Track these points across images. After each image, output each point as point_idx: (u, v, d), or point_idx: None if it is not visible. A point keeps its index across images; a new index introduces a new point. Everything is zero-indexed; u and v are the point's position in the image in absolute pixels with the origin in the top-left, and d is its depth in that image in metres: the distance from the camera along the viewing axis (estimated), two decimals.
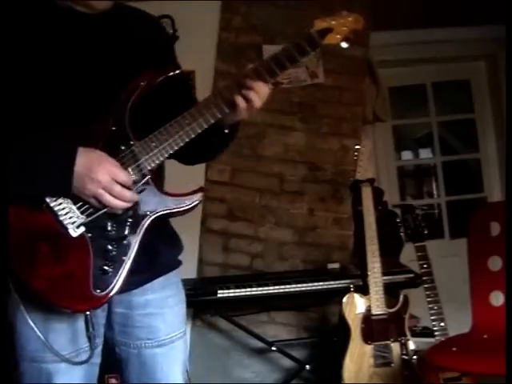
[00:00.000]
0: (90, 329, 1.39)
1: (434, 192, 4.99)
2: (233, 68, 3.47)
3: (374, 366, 2.76)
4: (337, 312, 2.94)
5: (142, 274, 1.46)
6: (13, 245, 1.31)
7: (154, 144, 1.38)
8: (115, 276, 1.36)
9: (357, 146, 2.98)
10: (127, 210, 1.37)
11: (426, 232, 2.82)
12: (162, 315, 1.52)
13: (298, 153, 3.49)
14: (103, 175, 1.32)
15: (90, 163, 1.32)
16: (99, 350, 1.51)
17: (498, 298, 2.54)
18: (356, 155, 2.95)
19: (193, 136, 1.40)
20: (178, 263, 1.61)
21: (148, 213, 1.39)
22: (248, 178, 3.45)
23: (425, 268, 2.72)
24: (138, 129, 1.40)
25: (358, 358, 2.76)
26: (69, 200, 1.35)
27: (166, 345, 1.52)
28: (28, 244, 1.33)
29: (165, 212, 1.40)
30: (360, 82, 3.54)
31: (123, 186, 1.34)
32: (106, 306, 1.47)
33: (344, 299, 2.81)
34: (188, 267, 3.38)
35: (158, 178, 1.45)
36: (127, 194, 1.35)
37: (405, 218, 2.90)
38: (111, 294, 1.36)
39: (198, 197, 1.42)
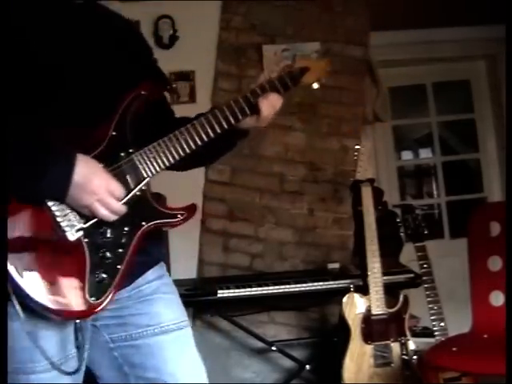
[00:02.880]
0: (80, 337, 1.37)
1: (434, 192, 4.99)
2: (233, 68, 3.47)
3: (374, 365, 2.76)
4: (337, 312, 2.94)
5: (132, 271, 1.42)
6: (11, 246, 1.28)
7: (152, 155, 1.40)
8: (110, 284, 1.34)
9: (357, 146, 2.98)
10: (124, 218, 1.36)
11: (426, 232, 2.82)
12: (162, 300, 1.49)
13: (298, 153, 3.49)
14: (100, 187, 1.31)
15: (88, 173, 1.31)
16: (85, 355, 1.44)
17: (498, 298, 2.54)
18: (356, 155, 2.95)
19: (188, 151, 1.42)
20: (162, 257, 1.60)
21: (143, 223, 1.39)
22: (248, 177, 3.45)
23: (425, 268, 2.72)
24: (138, 137, 1.41)
25: (358, 358, 2.76)
26: (65, 205, 1.33)
27: (169, 332, 1.48)
28: (24, 244, 1.30)
29: (158, 224, 1.41)
30: (360, 82, 3.54)
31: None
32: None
33: (344, 299, 2.81)
34: (188, 267, 3.38)
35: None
36: (119, 207, 1.34)
37: (405, 217, 2.90)
38: (106, 302, 1.33)
39: (191, 212, 1.43)
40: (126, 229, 1.37)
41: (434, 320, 2.67)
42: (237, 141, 1.62)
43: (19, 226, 1.30)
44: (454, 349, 2.43)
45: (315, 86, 1.59)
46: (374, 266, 2.79)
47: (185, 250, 3.34)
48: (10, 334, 1.30)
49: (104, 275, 1.33)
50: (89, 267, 1.33)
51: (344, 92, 3.47)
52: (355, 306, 2.79)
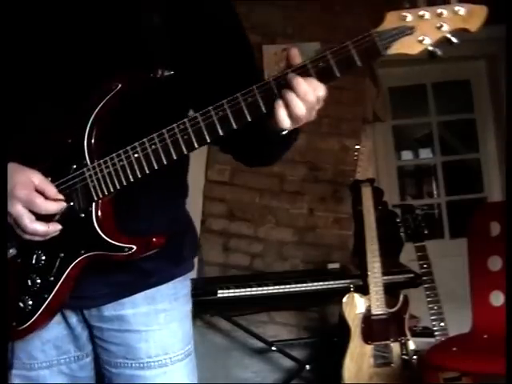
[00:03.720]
0: (9, 357, 1.21)
1: (434, 192, 4.99)
2: None
3: (374, 366, 2.76)
4: (337, 312, 2.94)
5: (115, 288, 1.25)
6: None
7: (107, 170, 1.13)
8: (34, 313, 1.18)
9: (357, 146, 2.99)
10: (62, 243, 1.16)
11: (426, 232, 2.82)
12: (145, 333, 1.28)
13: (298, 153, 3.49)
14: (12, 207, 1.11)
15: (9, 189, 1.11)
16: (85, 362, 1.33)
17: (498, 298, 2.54)
18: (356, 155, 2.95)
19: (156, 168, 1.11)
20: (171, 276, 1.31)
21: (82, 251, 1.16)
22: (248, 177, 3.45)
23: (425, 268, 2.72)
24: (108, 146, 1.14)
25: (358, 358, 2.76)
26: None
27: (151, 368, 1.28)
28: None
29: (100, 255, 1.16)
30: (360, 82, 3.53)
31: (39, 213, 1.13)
32: (81, 318, 1.29)
33: (344, 299, 2.81)
34: None
35: (132, 202, 1.21)
36: (39, 227, 1.12)
37: (405, 217, 2.90)
38: (29, 330, 1.19)
39: (144, 247, 1.16)
40: (61, 255, 1.17)
41: (433, 320, 2.67)
42: (290, 137, 1.17)
43: None
44: (454, 349, 2.44)
45: (436, 51, 1.00)
46: (374, 266, 2.79)
47: None
48: None
49: (28, 302, 1.18)
50: (16, 290, 1.18)
51: (344, 92, 3.46)
52: (355, 306, 2.79)
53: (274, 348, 3.18)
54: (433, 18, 0.97)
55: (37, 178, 1.12)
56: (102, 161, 1.13)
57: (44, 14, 1.20)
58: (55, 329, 1.27)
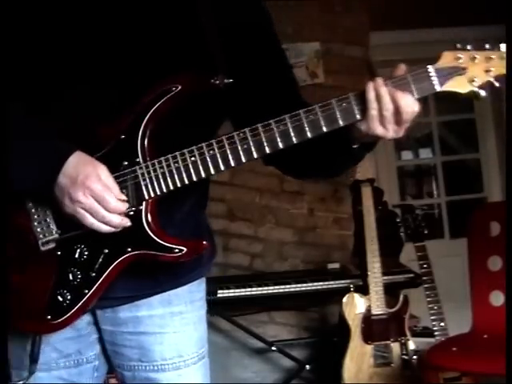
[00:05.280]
0: (35, 350, 1.22)
1: (434, 192, 4.99)
2: None
3: (374, 365, 2.76)
4: (337, 312, 2.95)
5: (128, 290, 1.24)
6: None
7: (161, 170, 1.13)
8: (71, 307, 1.16)
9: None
10: (108, 239, 1.14)
11: (425, 232, 2.82)
12: (160, 336, 1.28)
13: None
14: (85, 196, 1.10)
15: (75, 176, 1.10)
16: (86, 368, 1.30)
17: (498, 298, 2.54)
18: None
19: (212, 173, 1.14)
20: (190, 278, 1.31)
21: (129, 249, 1.15)
22: (248, 177, 3.44)
23: (425, 268, 2.72)
24: (159, 145, 1.14)
25: (358, 358, 2.76)
26: (47, 210, 1.16)
27: (166, 371, 1.28)
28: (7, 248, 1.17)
29: (147, 254, 1.15)
30: (360, 82, 3.52)
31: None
32: (90, 319, 1.28)
33: (344, 299, 2.81)
34: None
35: (167, 208, 1.20)
36: (114, 219, 1.11)
37: (405, 217, 2.90)
38: (62, 324, 1.18)
39: (194, 249, 1.17)
40: (105, 251, 1.15)
41: (433, 320, 2.67)
42: (361, 152, 1.19)
43: (9, 230, 1.17)
44: (454, 349, 2.44)
45: (482, 93, 1.08)
46: (374, 266, 2.79)
47: None
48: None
49: (67, 296, 1.16)
50: (54, 283, 1.16)
51: (344, 92, 3.46)
52: (355, 306, 2.79)
53: (273, 348, 3.18)
54: (483, 61, 1.06)
55: (105, 174, 1.12)
56: (156, 160, 1.13)
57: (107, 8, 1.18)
58: (60, 332, 1.24)
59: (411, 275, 3.02)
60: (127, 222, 1.13)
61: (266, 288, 2.97)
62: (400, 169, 4.53)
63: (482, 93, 1.07)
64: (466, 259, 2.69)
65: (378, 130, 1.10)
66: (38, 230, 1.16)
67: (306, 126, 1.11)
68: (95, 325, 1.29)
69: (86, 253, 1.16)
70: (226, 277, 3.34)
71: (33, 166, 1.12)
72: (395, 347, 2.78)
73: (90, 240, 1.15)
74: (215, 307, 3.13)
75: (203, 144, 1.12)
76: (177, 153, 1.12)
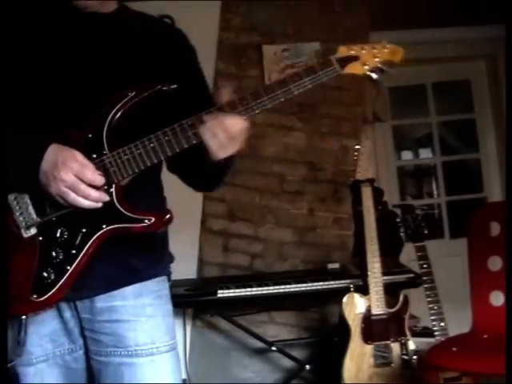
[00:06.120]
0: (22, 333, 1.35)
1: (434, 192, 4.99)
2: (233, 68, 3.47)
3: (374, 365, 2.76)
4: (337, 312, 2.95)
5: (103, 281, 1.40)
6: None
7: (126, 157, 1.33)
8: (55, 284, 1.32)
9: (357, 146, 2.98)
10: (84, 220, 1.33)
11: (426, 232, 2.82)
12: (134, 323, 1.42)
13: (298, 153, 3.49)
14: (66, 174, 1.29)
15: (56, 161, 1.29)
16: (78, 354, 1.47)
17: (498, 298, 2.54)
18: (356, 155, 2.95)
19: (169, 154, 1.34)
20: (157, 273, 1.49)
21: (103, 226, 1.33)
22: (248, 177, 3.44)
23: (425, 268, 2.72)
24: (121, 141, 1.34)
25: (358, 358, 2.76)
26: (28, 200, 1.34)
27: (140, 356, 1.41)
28: None
29: (120, 227, 1.34)
30: (360, 82, 3.53)
31: (91, 185, 1.31)
32: (74, 313, 1.43)
33: (344, 299, 2.81)
34: (188, 267, 3.38)
35: (142, 188, 1.40)
36: (93, 193, 1.30)
37: (405, 217, 2.90)
38: (48, 301, 1.32)
39: (161, 217, 1.35)
40: (83, 230, 1.33)
41: (433, 320, 2.67)
42: (220, 168, 1.43)
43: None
44: (454, 349, 2.44)
45: (373, 75, 1.40)
46: (374, 266, 2.79)
47: (185, 250, 3.34)
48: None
49: (50, 274, 1.32)
50: (36, 264, 1.32)
51: (344, 92, 3.46)
52: (355, 306, 2.79)
53: (273, 348, 3.18)
54: (370, 51, 1.40)
55: (80, 156, 1.31)
56: (120, 150, 1.33)
57: (79, 38, 1.43)
58: (51, 323, 1.42)
59: (411, 275, 3.02)
60: (105, 196, 1.32)
61: (265, 288, 2.97)
62: (400, 169, 4.53)
63: (374, 75, 1.39)
64: (465, 259, 2.69)
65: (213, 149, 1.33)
66: (20, 219, 1.33)
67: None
68: (77, 317, 1.44)
69: (66, 233, 1.33)
70: (225, 277, 3.35)
71: (18, 159, 1.31)
72: (395, 347, 2.78)
73: (68, 222, 1.33)
74: (215, 307, 3.14)
75: (159, 132, 1.33)
76: (137, 142, 1.33)
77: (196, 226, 3.41)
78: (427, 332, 2.95)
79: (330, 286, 3.00)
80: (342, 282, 2.99)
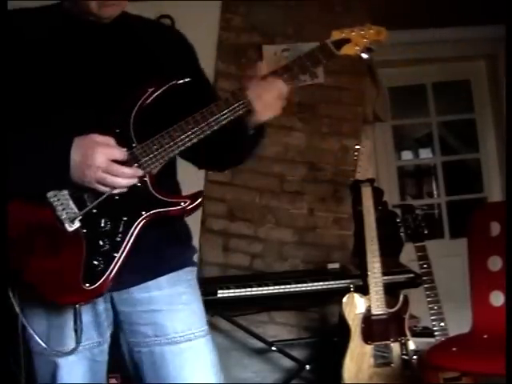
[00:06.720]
0: (78, 322, 1.41)
1: (434, 192, 5.00)
2: (233, 68, 3.47)
3: (374, 365, 2.76)
4: (337, 312, 2.94)
5: (141, 272, 1.47)
6: (11, 238, 1.37)
7: (155, 147, 1.41)
8: (105, 271, 1.38)
9: (357, 146, 2.98)
10: (124, 208, 1.40)
11: (425, 232, 2.82)
12: (170, 312, 1.50)
13: (298, 153, 3.49)
14: (99, 159, 1.35)
15: (85, 151, 1.36)
16: (104, 347, 1.54)
17: (498, 298, 2.54)
18: (356, 155, 2.95)
19: (195, 141, 1.43)
20: (187, 262, 1.58)
21: (143, 212, 1.41)
22: (248, 177, 3.44)
23: (425, 268, 2.72)
24: (145, 133, 1.43)
25: (358, 358, 2.76)
26: (67, 195, 1.39)
27: (179, 343, 1.50)
28: (27, 237, 1.38)
29: (159, 212, 1.42)
30: (360, 82, 3.53)
31: (122, 164, 1.38)
32: (109, 306, 1.51)
33: (344, 299, 2.81)
34: None
35: (165, 179, 1.49)
36: (127, 170, 1.38)
37: (405, 217, 2.90)
38: (100, 289, 1.39)
39: (195, 199, 1.44)
40: (124, 218, 1.40)
41: (433, 320, 2.67)
42: (254, 138, 1.56)
43: (20, 219, 1.38)
44: (454, 349, 2.43)
45: (364, 55, 1.54)
46: (374, 266, 2.79)
47: None
48: (27, 318, 1.43)
49: (99, 262, 1.38)
50: (85, 255, 1.38)
51: (344, 92, 3.47)
52: (355, 306, 2.79)
53: (273, 348, 3.18)
54: (358, 33, 1.52)
55: (99, 136, 1.39)
56: (148, 141, 1.41)
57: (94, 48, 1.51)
58: (84, 317, 1.44)
59: (411, 275, 3.02)
60: (139, 171, 1.40)
61: (265, 288, 2.97)
62: (400, 169, 4.53)
63: (364, 55, 1.53)
64: (465, 259, 2.69)
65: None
66: (64, 214, 1.38)
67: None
68: (111, 310, 1.51)
69: (108, 223, 1.40)
70: (225, 277, 3.34)
71: (42, 161, 1.37)
72: (395, 347, 2.78)
73: (108, 212, 1.40)
74: (215, 307, 3.14)
75: (182, 122, 1.42)
76: (163, 132, 1.41)
77: (196, 225, 3.41)
78: (427, 332, 2.95)
79: (330, 286, 3.00)
80: (342, 282, 2.99)
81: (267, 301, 3.17)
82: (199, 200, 1.45)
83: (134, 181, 1.40)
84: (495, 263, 2.58)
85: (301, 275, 3.16)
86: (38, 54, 1.45)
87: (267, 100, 1.46)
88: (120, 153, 1.39)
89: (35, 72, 1.45)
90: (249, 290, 2.95)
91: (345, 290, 2.86)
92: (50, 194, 1.39)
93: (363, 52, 1.53)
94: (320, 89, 3.44)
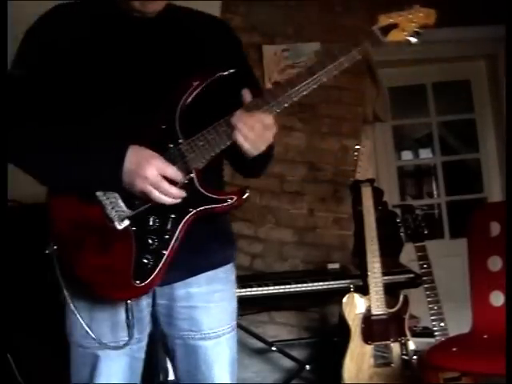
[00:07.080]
0: (130, 317, 1.43)
1: (434, 192, 5.00)
2: None
3: (374, 365, 2.76)
4: (337, 312, 2.95)
5: (185, 268, 1.49)
6: (62, 233, 1.41)
7: (201, 143, 1.42)
8: (154, 268, 1.41)
9: (357, 146, 2.98)
10: (171, 206, 1.41)
11: (425, 232, 2.82)
12: (206, 309, 1.54)
13: (298, 153, 3.49)
14: (151, 172, 1.37)
15: (139, 160, 1.38)
16: (143, 344, 1.57)
17: (498, 298, 2.54)
18: (356, 155, 2.95)
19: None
20: (228, 260, 1.61)
21: (190, 210, 1.42)
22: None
23: (425, 268, 2.72)
24: (190, 128, 1.43)
25: (358, 358, 2.76)
26: (116, 194, 1.41)
27: (210, 339, 1.55)
28: (76, 233, 1.41)
29: (206, 209, 1.44)
30: (360, 82, 3.53)
31: (171, 182, 1.39)
32: (150, 301, 1.53)
33: (344, 299, 2.81)
34: None
35: (210, 175, 1.49)
36: (174, 191, 1.39)
37: (405, 218, 2.90)
38: (150, 285, 1.41)
39: (241, 195, 1.48)
40: (172, 216, 1.42)
41: (433, 320, 2.67)
42: (262, 158, 1.53)
43: (71, 216, 1.42)
44: (454, 349, 2.43)
45: (412, 40, 1.49)
46: (374, 266, 2.79)
47: None
48: (70, 310, 1.45)
49: (149, 260, 1.41)
50: (134, 253, 1.40)
51: (344, 92, 3.46)
52: (355, 306, 2.79)
53: (273, 348, 3.18)
54: (406, 17, 1.48)
55: (158, 157, 1.40)
56: (194, 137, 1.42)
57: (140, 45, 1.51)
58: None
59: (411, 275, 3.02)
60: (183, 193, 1.39)
61: (266, 288, 2.97)
62: (400, 169, 4.53)
63: (413, 39, 1.49)
64: (465, 259, 2.69)
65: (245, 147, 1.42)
66: (113, 213, 1.40)
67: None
68: (153, 306, 1.54)
69: (157, 221, 1.42)
70: None
71: (101, 163, 1.39)
72: (395, 347, 2.78)
73: (157, 210, 1.41)
74: None
75: (227, 117, 1.40)
76: (209, 128, 1.41)
77: None
78: (427, 332, 2.95)
79: (330, 286, 3.00)
80: (342, 282, 2.99)
81: (267, 301, 3.17)
82: (245, 195, 1.48)
83: (178, 201, 1.40)
84: (495, 263, 2.58)
85: (301, 275, 3.16)
86: (83, 50, 1.46)
87: (254, 138, 1.41)
88: (172, 170, 1.39)
89: (81, 68, 1.45)
90: (249, 290, 2.95)
91: (345, 290, 2.86)
92: (99, 193, 1.41)
93: (411, 36, 1.48)
94: (320, 89, 3.43)
